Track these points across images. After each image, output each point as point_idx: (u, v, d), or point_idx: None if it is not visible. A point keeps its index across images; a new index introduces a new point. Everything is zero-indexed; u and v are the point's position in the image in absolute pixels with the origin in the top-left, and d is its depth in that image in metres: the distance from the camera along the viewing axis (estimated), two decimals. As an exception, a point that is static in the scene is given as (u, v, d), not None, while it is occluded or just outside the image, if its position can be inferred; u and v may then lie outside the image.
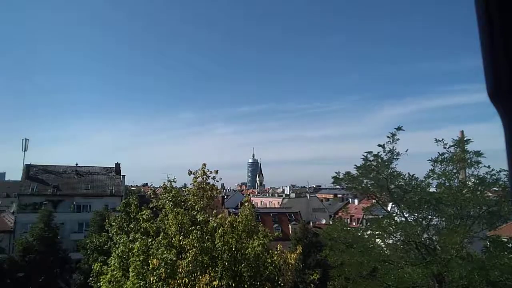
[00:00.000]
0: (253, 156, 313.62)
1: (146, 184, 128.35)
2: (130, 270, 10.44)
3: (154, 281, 9.85)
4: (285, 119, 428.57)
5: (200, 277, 9.77)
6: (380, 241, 15.68)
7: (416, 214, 14.69)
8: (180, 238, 10.89)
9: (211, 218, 11.78)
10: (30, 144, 53.70)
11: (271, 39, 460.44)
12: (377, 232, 15.46)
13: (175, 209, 12.04)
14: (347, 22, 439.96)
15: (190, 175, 13.47)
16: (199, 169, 13.36)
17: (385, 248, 15.66)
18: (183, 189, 15.15)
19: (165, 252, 10.39)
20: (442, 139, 14.85)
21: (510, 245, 13.60)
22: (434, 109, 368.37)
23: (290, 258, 11.71)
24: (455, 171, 14.71)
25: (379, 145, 14.95)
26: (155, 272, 9.94)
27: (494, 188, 14.13)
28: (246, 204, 13.13)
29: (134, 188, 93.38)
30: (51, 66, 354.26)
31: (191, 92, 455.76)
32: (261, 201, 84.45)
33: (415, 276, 13.61)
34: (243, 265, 10.73)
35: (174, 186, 13.65)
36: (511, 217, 15.95)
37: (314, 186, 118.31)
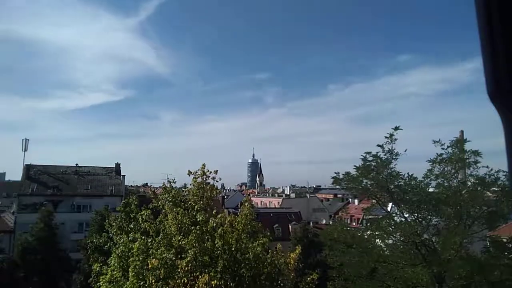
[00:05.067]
0: (253, 156, 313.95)
1: (146, 184, 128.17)
2: (129, 270, 10.45)
3: (153, 281, 9.86)
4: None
5: (200, 277, 9.77)
6: (380, 241, 15.70)
7: (415, 214, 14.70)
8: (180, 238, 10.90)
9: (211, 218, 11.78)
10: (30, 144, 53.62)
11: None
12: (376, 233, 15.47)
13: (174, 209, 12.05)
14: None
15: (189, 176, 13.50)
16: (198, 169, 13.38)
17: (385, 248, 15.68)
18: (183, 189, 15.16)
19: (164, 252, 10.40)
20: (439, 140, 14.92)
21: (510, 245, 13.61)
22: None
23: (290, 258, 11.72)
24: (453, 171, 14.72)
25: (378, 145, 14.98)
26: (154, 272, 9.94)
27: (494, 188, 14.15)
28: (245, 204, 13.14)
29: (133, 188, 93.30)
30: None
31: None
32: (261, 201, 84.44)
33: (415, 276, 13.63)
34: (242, 265, 10.74)
35: (174, 187, 13.68)
36: (511, 217, 15.97)
37: (314, 186, 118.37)
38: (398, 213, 15.30)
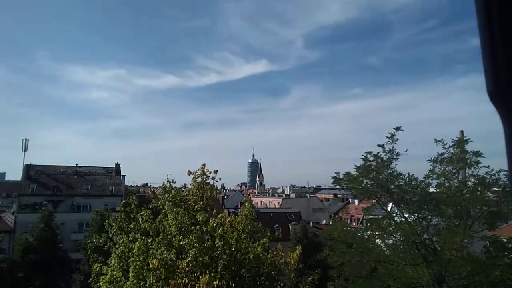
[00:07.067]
0: (253, 156, 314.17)
1: (146, 184, 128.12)
2: (130, 270, 10.44)
3: (153, 281, 9.85)
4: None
5: (200, 277, 9.77)
6: (380, 241, 15.69)
7: (416, 214, 14.69)
8: (180, 238, 10.90)
9: (211, 218, 11.78)
10: (30, 144, 53.59)
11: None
12: (377, 233, 15.46)
13: (174, 209, 12.05)
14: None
15: (189, 175, 13.50)
16: (198, 169, 13.38)
17: (385, 248, 15.66)
18: (182, 189, 15.17)
19: (165, 252, 10.39)
20: (442, 139, 14.89)
21: (510, 245, 13.60)
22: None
23: (290, 258, 11.72)
24: (454, 171, 14.71)
25: (379, 145, 14.97)
26: (154, 273, 9.94)
27: (494, 188, 14.13)
28: (246, 204, 13.15)
29: (133, 188, 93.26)
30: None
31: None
32: (261, 201, 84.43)
33: (415, 276, 13.62)
34: (243, 265, 10.74)
35: (173, 187, 13.67)
36: (511, 217, 15.97)
37: (314, 186, 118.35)
38: (398, 213, 15.29)
